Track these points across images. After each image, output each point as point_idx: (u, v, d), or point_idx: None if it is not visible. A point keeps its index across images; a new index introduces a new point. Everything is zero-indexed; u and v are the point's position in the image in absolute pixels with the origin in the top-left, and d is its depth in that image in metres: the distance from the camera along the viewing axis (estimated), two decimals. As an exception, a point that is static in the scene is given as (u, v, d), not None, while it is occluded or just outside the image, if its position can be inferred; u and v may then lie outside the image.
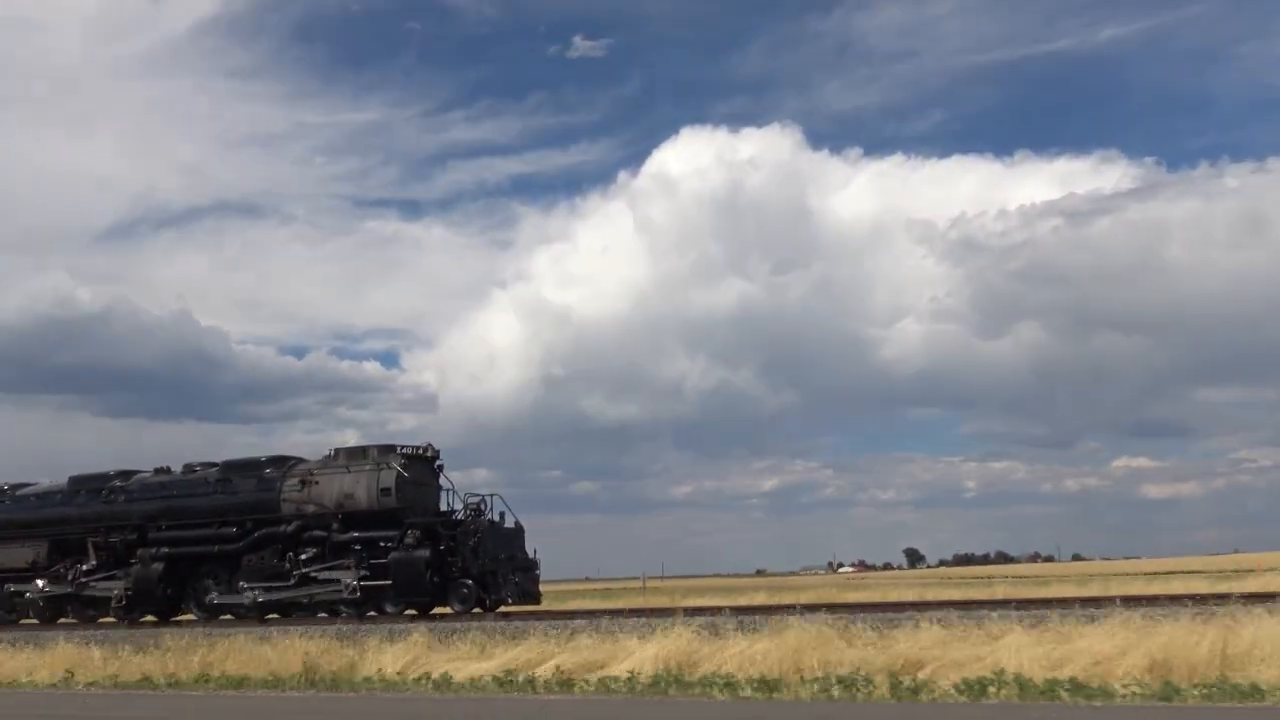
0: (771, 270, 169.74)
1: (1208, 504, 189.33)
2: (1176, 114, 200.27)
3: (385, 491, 22.64)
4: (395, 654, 15.28)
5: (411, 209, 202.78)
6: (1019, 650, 10.98)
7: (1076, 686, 10.02)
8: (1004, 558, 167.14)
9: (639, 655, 13.09)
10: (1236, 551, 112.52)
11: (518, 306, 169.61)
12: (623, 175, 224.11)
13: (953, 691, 10.40)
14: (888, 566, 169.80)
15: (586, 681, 12.74)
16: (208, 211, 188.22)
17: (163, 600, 24.25)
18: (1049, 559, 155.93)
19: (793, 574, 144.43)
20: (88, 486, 26.04)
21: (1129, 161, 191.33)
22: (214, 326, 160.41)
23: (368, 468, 23.00)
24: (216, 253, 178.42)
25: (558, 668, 13.33)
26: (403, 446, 23.51)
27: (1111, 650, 10.56)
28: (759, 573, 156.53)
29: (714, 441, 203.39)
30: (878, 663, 11.47)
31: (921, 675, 11.10)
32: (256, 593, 22.95)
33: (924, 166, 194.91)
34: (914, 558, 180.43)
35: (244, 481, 24.16)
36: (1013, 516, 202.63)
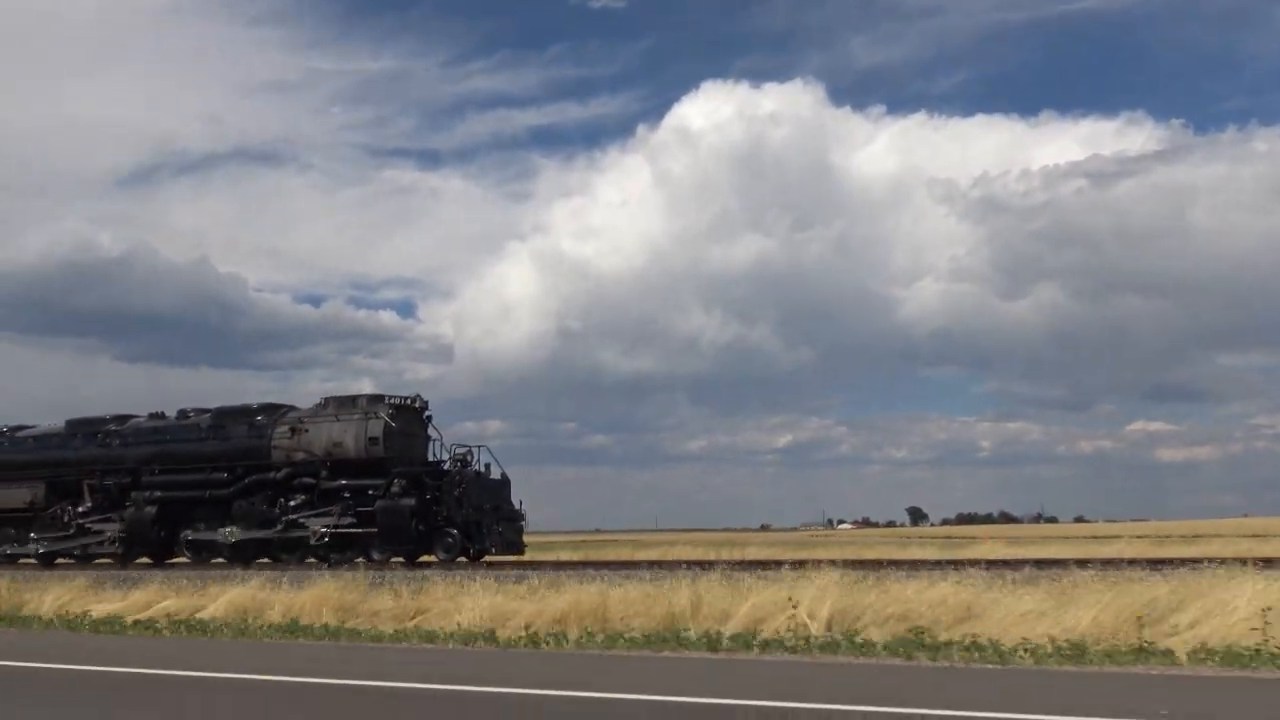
0: (791, 227, 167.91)
1: (1222, 469, 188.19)
2: (1205, 76, 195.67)
3: (373, 441, 22.76)
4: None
5: (429, 159, 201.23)
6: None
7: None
8: (1007, 518, 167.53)
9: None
10: (1245, 516, 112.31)
11: (535, 259, 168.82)
12: (642, 129, 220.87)
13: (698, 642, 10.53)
14: (891, 524, 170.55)
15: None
16: (226, 159, 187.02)
17: (156, 542, 24.51)
18: (1051, 520, 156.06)
19: (792, 529, 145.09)
20: (84, 430, 26.25)
21: (1155, 123, 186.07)
22: (232, 273, 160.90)
23: (356, 417, 23.10)
24: (235, 200, 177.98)
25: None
26: (391, 397, 23.59)
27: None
28: (763, 528, 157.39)
29: (729, 397, 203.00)
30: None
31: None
32: (232, 532, 23.25)
33: (947, 125, 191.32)
34: (916, 516, 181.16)
35: (236, 428, 24.31)
36: (1026, 477, 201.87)
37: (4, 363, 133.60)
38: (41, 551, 25.69)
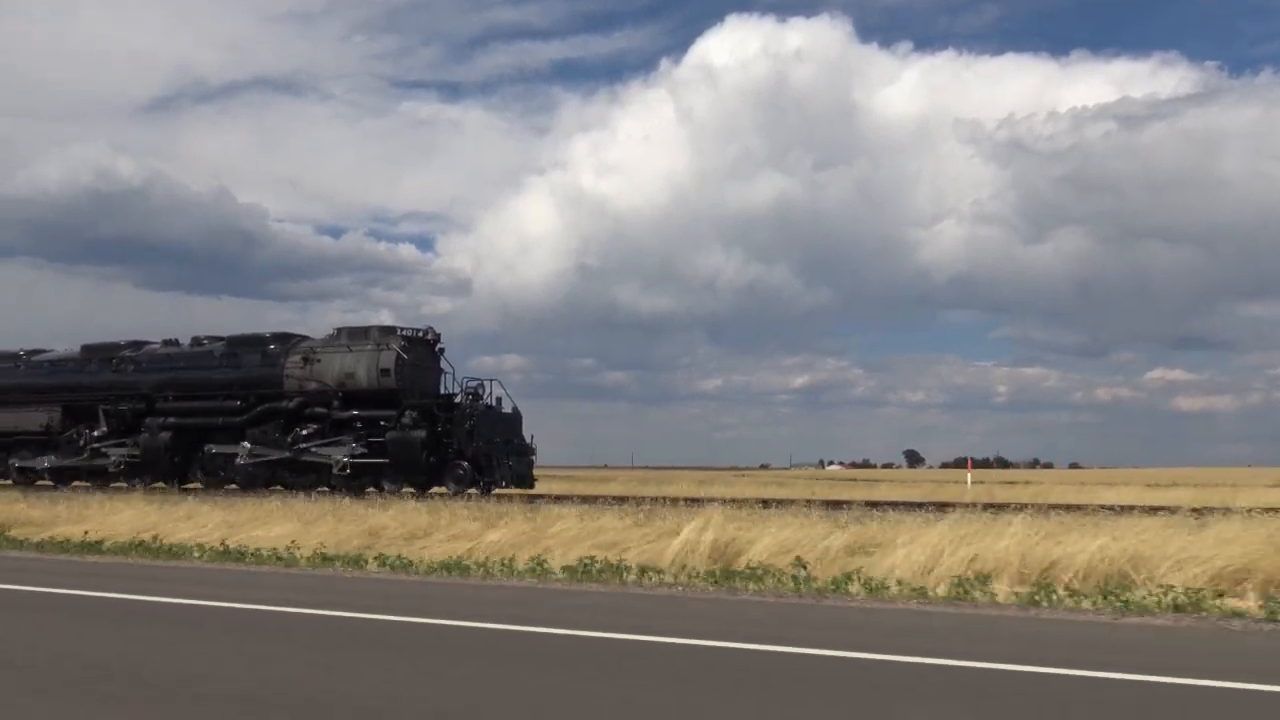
0: (813, 166, 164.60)
1: (1240, 419, 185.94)
2: (1242, 17, 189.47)
3: (385, 372, 22.36)
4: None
5: (450, 91, 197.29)
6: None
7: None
8: (1002, 463, 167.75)
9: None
10: (1250, 465, 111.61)
11: (554, 194, 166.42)
12: (665, 63, 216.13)
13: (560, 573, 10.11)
14: (888, 466, 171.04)
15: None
16: (247, 87, 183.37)
17: (170, 468, 24.27)
18: (1048, 465, 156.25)
19: (784, 469, 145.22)
20: (99, 355, 25.90)
21: (1189, 65, 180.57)
22: (252, 204, 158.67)
23: (369, 348, 22.69)
24: (255, 130, 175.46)
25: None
26: (404, 329, 23.15)
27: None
28: (763, 466, 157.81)
29: (746, 337, 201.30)
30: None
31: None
32: (247, 457, 22.98)
33: (976, 64, 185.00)
34: (913, 459, 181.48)
35: (249, 356, 23.92)
36: (1041, 423, 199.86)
37: (28, 289, 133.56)
38: (47, 465, 25.58)
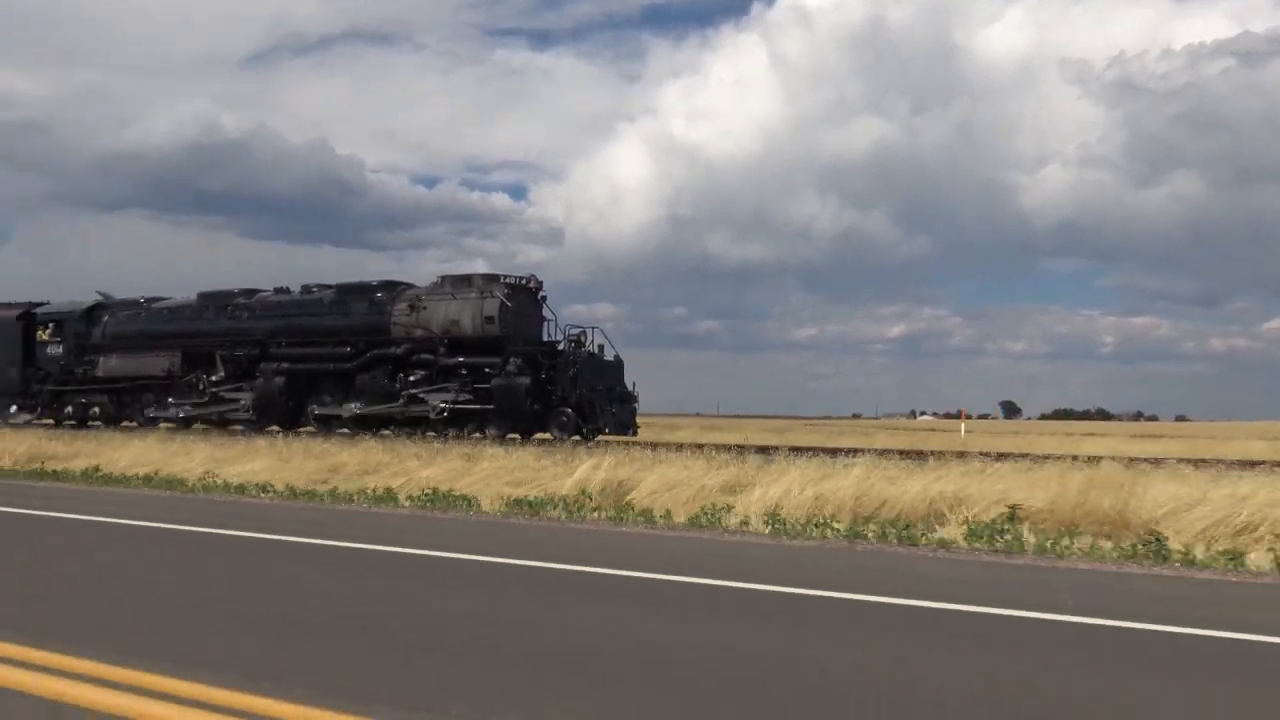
0: (910, 110, 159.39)
1: None
2: None
3: (489, 319, 22.47)
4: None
5: (541, 39, 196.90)
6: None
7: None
8: (1103, 415, 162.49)
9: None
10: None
11: (646, 141, 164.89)
12: (757, 6, 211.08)
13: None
14: (983, 417, 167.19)
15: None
16: (342, 39, 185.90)
17: (284, 412, 24.93)
18: (1152, 418, 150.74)
19: (874, 419, 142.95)
20: (215, 302, 26.64)
21: None
22: (350, 155, 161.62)
23: (473, 296, 22.81)
24: (351, 81, 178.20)
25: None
26: (506, 276, 23.18)
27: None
28: (854, 416, 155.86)
29: (840, 285, 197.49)
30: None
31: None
32: (356, 406, 23.46)
33: (1083, 1, 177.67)
34: (1010, 410, 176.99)
35: (357, 304, 24.30)
36: (1150, 374, 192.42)
37: (140, 240, 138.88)
38: (182, 416, 26.46)
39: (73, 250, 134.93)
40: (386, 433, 23.23)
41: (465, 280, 23.32)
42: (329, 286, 25.40)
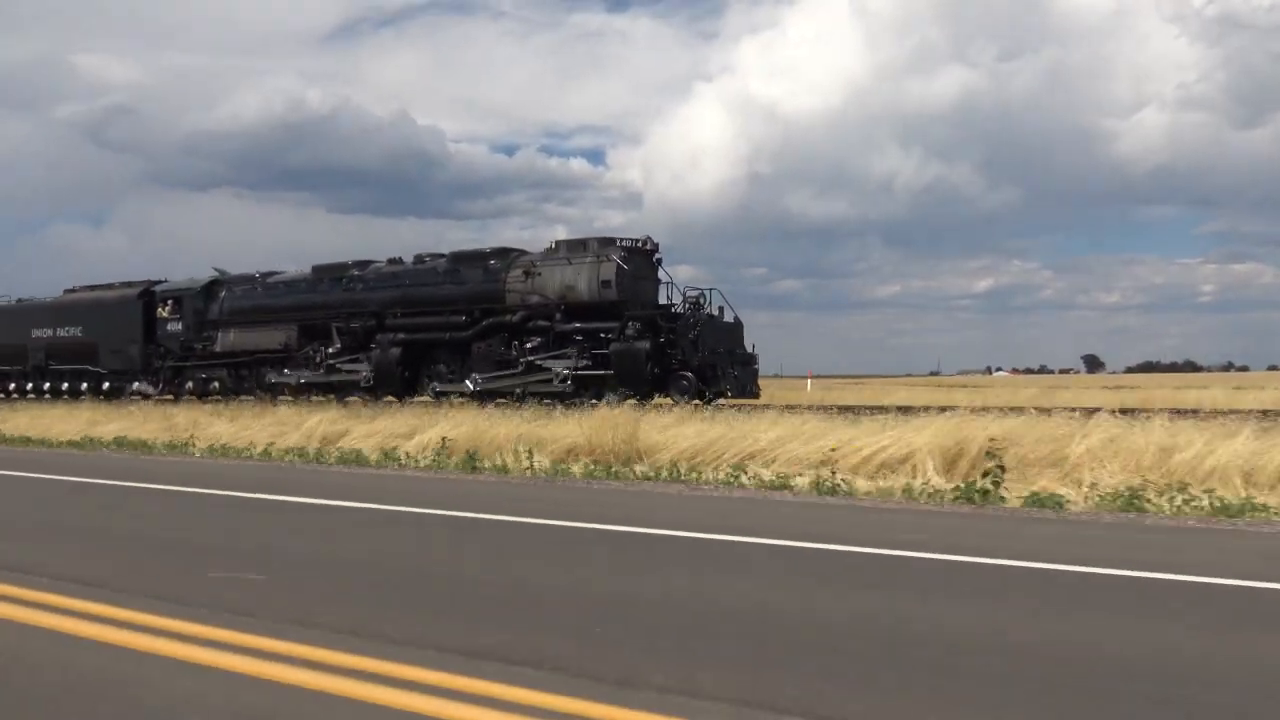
0: (997, 57, 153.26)
1: None
2: None
3: (605, 284, 21.90)
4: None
5: (617, 1, 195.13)
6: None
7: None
8: (1192, 366, 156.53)
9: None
10: None
11: (723, 101, 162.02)
12: None
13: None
14: (1065, 372, 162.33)
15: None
16: (422, 10, 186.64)
17: (400, 382, 24.76)
18: (1244, 368, 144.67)
19: (953, 375, 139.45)
20: (329, 275, 26.53)
21: None
22: (430, 126, 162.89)
23: (588, 260, 22.24)
24: (431, 51, 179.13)
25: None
26: (622, 239, 22.54)
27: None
28: (932, 374, 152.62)
29: (925, 240, 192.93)
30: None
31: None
32: (477, 379, 23.09)
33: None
34: (1092, 364, 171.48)
35: (471, 272, 23.93)
36: (1253, 323, 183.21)
37: (235, 216, 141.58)
38: (301, 383, 26.48)
39: (165, 229, 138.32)
40: (502, 400, 22.94)
41: (580, 244, 22.76)
42: (442, 255, 25.08)
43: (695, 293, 22.06)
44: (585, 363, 21.90)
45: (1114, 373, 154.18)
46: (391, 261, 25.95)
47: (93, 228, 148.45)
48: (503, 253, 24.01)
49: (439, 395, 24.07)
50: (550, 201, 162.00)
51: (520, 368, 22.71)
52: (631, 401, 21.06)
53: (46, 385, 31.52)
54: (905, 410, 14.89)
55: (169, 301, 29.20)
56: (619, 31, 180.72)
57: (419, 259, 25.42)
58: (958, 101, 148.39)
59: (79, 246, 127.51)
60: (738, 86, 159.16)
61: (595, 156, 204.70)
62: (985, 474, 9.10)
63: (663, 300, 22.50)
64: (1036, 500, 8.50)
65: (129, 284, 30.95)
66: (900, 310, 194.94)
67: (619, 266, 21.79)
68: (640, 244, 22.60)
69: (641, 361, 21.07)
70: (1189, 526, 7.40)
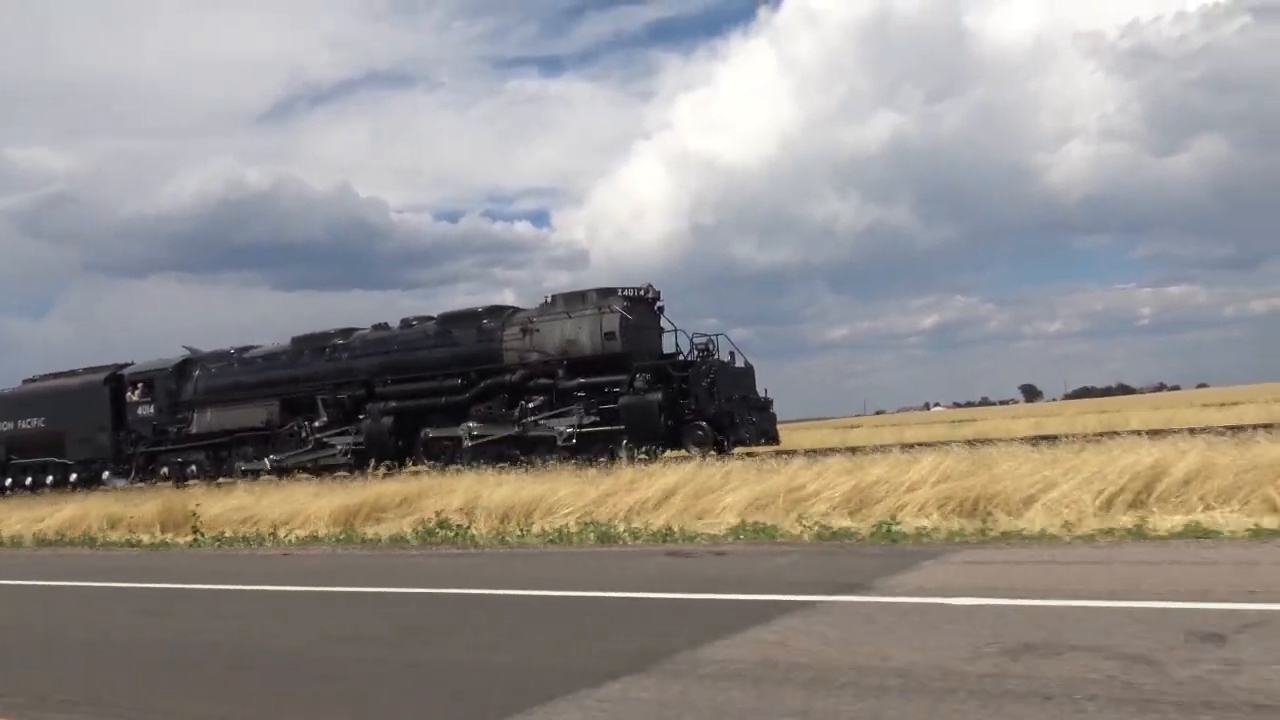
0: (925, 99, 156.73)
1: None
2: None
3: (609, 335, 20.77)
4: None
5: (551, 65, 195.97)
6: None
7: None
8: (1125, 389, 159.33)
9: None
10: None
11: (663, 157, 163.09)
12: (763, 11, 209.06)
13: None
14: (1004, 403, 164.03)
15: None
16: (358, 84, 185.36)
17: (394, 451, 23.16)
18: (1175, 388, 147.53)
19: (892, 413, 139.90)
20: (311, 346, 24.99)
21: None
22: (373, 197, 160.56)
23: (589, 312, 21.12)
24: (370, 124, 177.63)
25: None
26: (623, 289, 21.49)
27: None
28: (877, 413, 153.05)
29: (870, 282, 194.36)
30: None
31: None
32: (471, 431, 21.67)
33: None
34: (1030, 393, 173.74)
35: (464, 333, 22.62)
36: (1192, 343, 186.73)
37: (177, 300, 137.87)
38: (274, 464, 24.68)
39: (109, 317, 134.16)
40: (504, 465, 21.50)
41: (579, 297, 21.62)
42: (430, 318, 23.75)
43: (703, 339, 21.03)
44: (592, 419, 20.63)
45: (1052, 400, 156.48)
46: (376, 327, 24.51)
47: (34, 320, 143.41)
48: (496, 311, 22.78)
49: (432, 455, 22.55)
50: (497, 265, 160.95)
51: (520, 428, 21.30)
52: (642, 457, 19.93)
53: (9, 481, 29.20)
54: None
55: (139, 384, 27.28)
56: (556, 96, 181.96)
57: (405, 323, 24.04)
58: (890, 145, 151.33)
59: (22, 339, 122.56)
60: (676, 142, 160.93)
61: (539, 218, 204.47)
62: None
63: (668, 349, 21.42)
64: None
65: (93, 369, 28.99)
66: (851, 352, 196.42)
67: (623, 317, 20.69)
68: (642, 292, 21.56)
69: (654, 414, 19.86)
70: None
